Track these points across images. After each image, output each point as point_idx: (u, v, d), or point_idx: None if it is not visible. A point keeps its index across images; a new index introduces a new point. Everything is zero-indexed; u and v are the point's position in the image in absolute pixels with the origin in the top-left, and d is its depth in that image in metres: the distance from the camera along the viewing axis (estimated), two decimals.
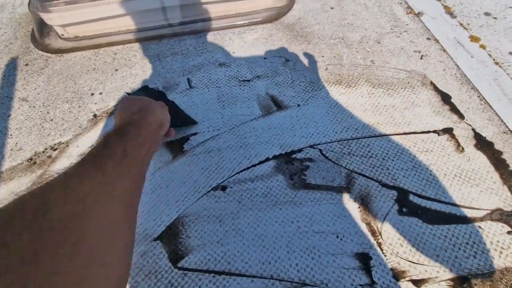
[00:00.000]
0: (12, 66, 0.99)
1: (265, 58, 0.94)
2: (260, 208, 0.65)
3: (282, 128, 0.78)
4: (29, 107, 0.87)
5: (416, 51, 0.91)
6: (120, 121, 0.45)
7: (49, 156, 0.76)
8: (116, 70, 0.94)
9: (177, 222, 0.64)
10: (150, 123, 0.46)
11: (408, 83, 0.84)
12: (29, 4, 1.13)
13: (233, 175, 0.70)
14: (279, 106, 0.82)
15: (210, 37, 1.01)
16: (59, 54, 1.00)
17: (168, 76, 0.90)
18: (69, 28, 1.03)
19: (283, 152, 0.73)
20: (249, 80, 0.89)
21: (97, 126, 0.81)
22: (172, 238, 0.62)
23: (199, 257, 0.60)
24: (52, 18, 0.97)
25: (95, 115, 0.83)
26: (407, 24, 0.99)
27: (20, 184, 0.72)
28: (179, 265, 0.59)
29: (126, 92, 0.78)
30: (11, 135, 0.81)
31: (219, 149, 0.75)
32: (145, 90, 0.85)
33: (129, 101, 0.50)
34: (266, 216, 0.64)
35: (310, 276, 0.57)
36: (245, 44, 0.98)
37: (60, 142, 0.79)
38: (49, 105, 0.87)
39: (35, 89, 0.91)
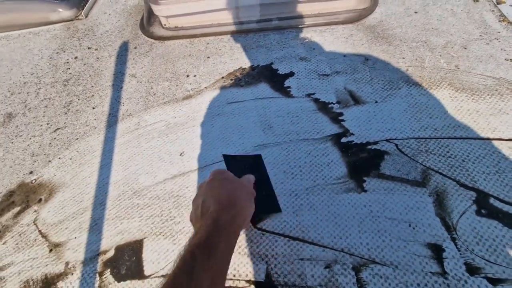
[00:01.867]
0: (124, 48, 1.18)
1: (344, 56, 0.99)
2: (334, 189, 0.70)
3: (359, 120, 0.82)
4: (137, 82, 1.04)
5: (507, 59, 0.88)
6: (207, 214, 0.44)
7: (152, 124, 0.91)
8: (208, 57, 1.07)
9: None
10: (239, 226, 0.45)
11: (496, 90, 0.82)
12: None
13: (309, 157, 0.76)
14: (356, 101, 0.86)
15: (293, 33, 1.09)
16: (161, 41, 1.17)
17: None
18: (171, 19, 1.20)
19: (358, 142, 0.77)
20: (328, 75, 0.94)
21: (191, 102, 0.94)
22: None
23: (276, 222, 0.67)
24: (160, 9, 1.14)
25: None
26: (499, 32, 0.96)
27: (128, 140, 0.87)
28: (258, 226, 0.67)
29: (223, 155, 0.65)
30: (123, 103, 0.98)
31: (297, 133, 0.82)
32: (242, 159, 0.70)
33: (218, 184, 0.48)
34: (339, 197, 0.69)
35: (380, 256, 0.60)
36: (325, 42, 1.04)
37: (161, 113, 0.93)
38: (152, 82, 1.03)
39: (141, 68, 1.08)
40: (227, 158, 0.65)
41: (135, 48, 1.16)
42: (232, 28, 1.15)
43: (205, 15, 1.16)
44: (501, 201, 0.64)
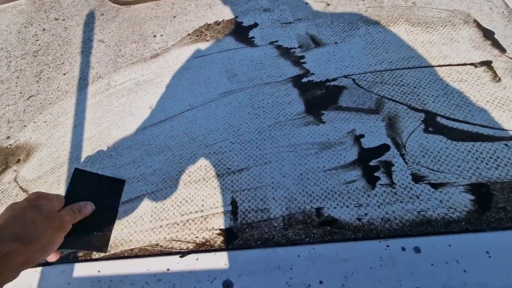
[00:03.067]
0: (91, 16, 1.17)
1: (306, 3, 1.00)
2: (294, 124, 0.74)
3: (319, 61, 0.84)
4: (105, 46, 1.05)
5: None
6: None
7: (121, 83, 0.93)
8: (174, 17, 1.08)
9: (224, 132, 0.76)
10: (13, 265, 0.39)
11: (449, 21, 0.85)
12: None
13: (272, 98, 0.80)
14: (317, 43, 0.89)
15: None
16: (127, 5, 1.17)
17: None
18: None
19: (318, 81, 0.81)
20: (290, 23, 0.96)
21: (158, 60, 0.96)
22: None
23: (240, 157, 0.71)
24: None
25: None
26: None
27: (99, 100, 0.90)
28: (225, 165, 0.71)
29: (75, 168, 0.54)
30: (92, 67, 1.00)
31: (261, 78, 0.85)
32: (98, 179, 0.56)
33: (14, 216, 0.42)
34: (299, 130, 0.73)
35: (336, 173, 0.65)
36: None
37: (129, 72, 0.95)
38: (120, 45, 1.04)
39: (109, 33, 1.09)
40: (78, 174, 0.54)
41: (102, 15, 1.16)
42: None
43: None
44: (447, 118, 0.68)
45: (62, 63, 1.03)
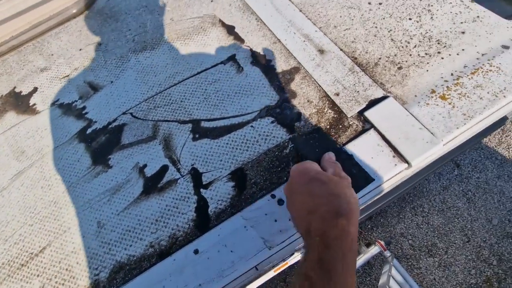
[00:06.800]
0: None
1: (80, 49, 1.00)
2: (85, 180, 0.76)
3: (99, 106, 0.87)
4: None
5: None
6: (312, 232, 0.38)
7: None
8: None
9: (19, 215, 0.74)
10: (355, 235, 0.38)
11: (201, 27, 0.94)
12: None
13: (62, 162, 0.80)
14: (95, 89, 0.90)
15: (30, 47, 1.05)
16: None
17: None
18: None
19: (101, 127, 0.83)
20: (68, 75, 0.95)
21: None
22: None
23: (42, 233, 0.71)
24: None
25: None
26: None
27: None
28: None
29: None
30: None
31: (47, 145, 0.84)
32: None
33: (314, 198, 0.41)
34: (91, 184, 0.75)
35: (128, 211, 0.70)
36: (62, 43, 1.03)
37: None
38: None
39: None
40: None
41: None
42: None
43: None
44: (208, 120, 0.78)
45: None
